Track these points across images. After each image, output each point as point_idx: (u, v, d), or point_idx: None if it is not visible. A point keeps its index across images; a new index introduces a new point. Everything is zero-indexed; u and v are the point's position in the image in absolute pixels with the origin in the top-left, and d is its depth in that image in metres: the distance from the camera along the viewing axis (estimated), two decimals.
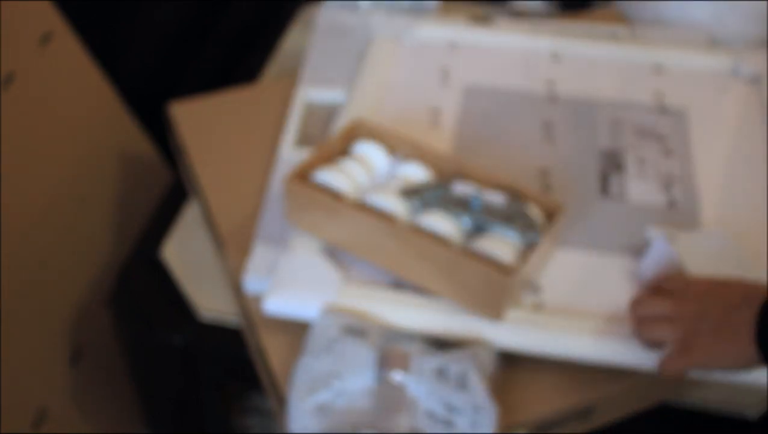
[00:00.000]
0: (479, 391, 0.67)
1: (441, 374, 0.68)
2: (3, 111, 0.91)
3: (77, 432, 1.06)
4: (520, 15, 1.14)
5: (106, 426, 1.11)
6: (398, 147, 0.82)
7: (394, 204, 0.75)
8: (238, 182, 0.88)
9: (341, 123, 0.90)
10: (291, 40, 1.15)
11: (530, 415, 0.71)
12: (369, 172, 0.80)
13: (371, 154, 0.81)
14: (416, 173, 0.79)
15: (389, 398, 0.67)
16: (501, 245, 0.72)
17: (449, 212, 0.74)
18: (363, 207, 0.75)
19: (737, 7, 1.06)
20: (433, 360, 0.69)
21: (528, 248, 0.73)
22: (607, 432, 0.76)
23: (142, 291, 0.90)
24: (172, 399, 1.00)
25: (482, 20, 1.05)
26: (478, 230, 0.74)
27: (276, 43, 1.15)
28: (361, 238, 0.75)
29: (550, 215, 0.75)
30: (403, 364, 0.68)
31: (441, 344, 0.72)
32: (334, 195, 0.76)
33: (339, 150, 0.82)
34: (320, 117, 0.94)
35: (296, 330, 0.74)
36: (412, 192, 0.76)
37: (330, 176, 0.77)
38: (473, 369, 0.68)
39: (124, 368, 1.06)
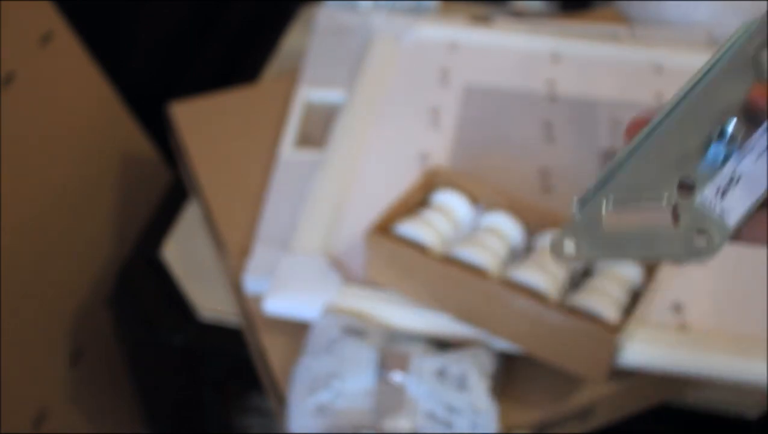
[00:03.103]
0: (479, 392, 0.67)
1: (441, 374, 0.68)
2: (3, 111, 0.91)
3: (77, 432, 1.06)
4: (520, 15, 1.14)
5: (106, 426, 1.11)
6: (480, 196, 0.77)
7: (484, 258, 0.70)
8: (238, 182, 0.88)
9: (341, 123, 0.91)
10: (291, 40, 1.15)
11: (530, 415, 0.71)
12: (452, 223, 0.75)
13: (453, 204, 0.76)
14: (504, 222, 0.74)
15: (389, 398, 0.67)
16: (601, 298, 0.67)
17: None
18: (452, 261, 0.70)
19: (737, 7, 1.06)
20: (433, 361, 0.69)
21: (631, 302, 0.69)
22: (607, 432, 0.76)
23: (142, 291, 0.90)
24: (172, 399, 1.00)
25: (482, 20, 1.05)
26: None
27: (276, 43, 1.14)
28: (450, 294, 0.71)
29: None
30: (403, 365, 0.68)
31: (441, 344, 0.72)
32: (420, 248, 0.71)
33: (418, 201, 0.77)
34: (320, 117, 0.94)
35: (296, 330, 0.74)
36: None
37: (414, 229, 0.72)
38: (473, 370, 0.68)
39: (124, 368, 1.06)
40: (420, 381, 0.68)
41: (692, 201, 0.35)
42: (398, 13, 1.05)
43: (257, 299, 0.76)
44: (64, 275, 1.04)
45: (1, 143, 0.91)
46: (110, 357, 1.09)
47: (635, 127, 0.46)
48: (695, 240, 0.34)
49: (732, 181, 0.35)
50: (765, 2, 1.04)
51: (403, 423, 0.66)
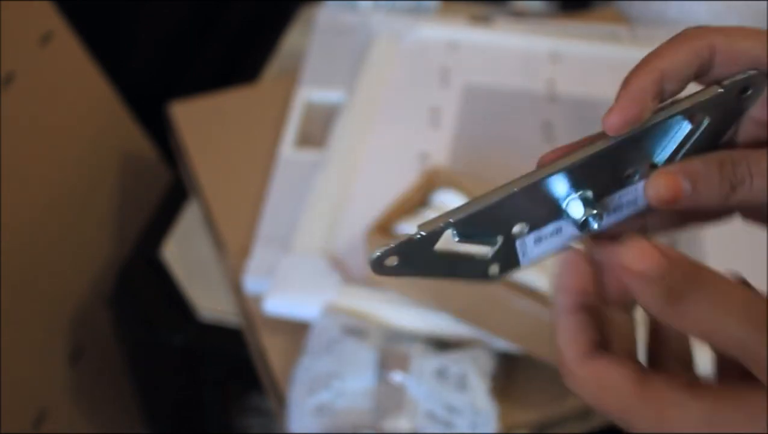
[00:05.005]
0: (479, 392, 0.67)
1: (441, 375, 0.68)
2: (3, 111, 0.91)
3: (77, 432, 1.06)
4: (520, 15, 1.14)
5: (106, 426, 1.11)
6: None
7: None
8: (238, 182, 0.88)
9: (341, 123, 0.91)
10: (291, 40, 1.15)
11: (530, 415, 0.71)
12: None
13: (453, 204, 0.76)
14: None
15: (389, 398, 0.67)
16: None
17: None
18: None
19: (737, 7, 1.06)
20: (433, 361, 0.69)
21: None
22: (607, 432, 0.76)
23: (142, 291, 0.90)
24: (172, 399, 1.00)
25: (482, 20, 1.05)
26: None
27: (276, 43, 1.14)
28: (450, 294, 0.70)
29: None
30: (403, 365, 0.68)
31: (441, 344, 0.72)
32: None
33: (418, 201, 0.77)
34: (320, 117, 0.94)
35: (296, 330, 0.74)
36: None
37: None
38: (473, 370, 0.68)
39: (124, 368, 1.06)
40: (420, 381, 0.68)
41: (512, 244, 0.37)
42: (398, 13, 1.05)
43: (257, 299, 0.76)
44: (64, 275, 1.04)
45: (1, 143, 0.91)
46: (110, 357, 1.09)
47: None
48: (490, 269, 0.36)
49: (553, 232, 0.37)
50: (765, 2, 1.05)
51: (403, 423, 0.66)
